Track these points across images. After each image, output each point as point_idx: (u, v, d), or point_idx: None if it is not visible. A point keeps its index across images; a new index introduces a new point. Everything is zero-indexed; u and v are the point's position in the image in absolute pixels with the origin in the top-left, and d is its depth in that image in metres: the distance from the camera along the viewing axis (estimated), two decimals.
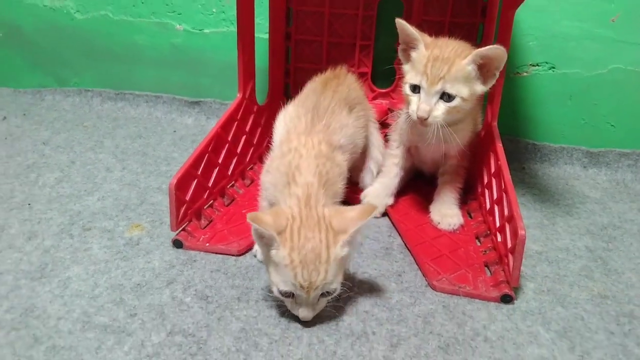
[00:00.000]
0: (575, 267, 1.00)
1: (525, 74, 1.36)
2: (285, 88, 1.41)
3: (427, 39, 0.99)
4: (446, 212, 1.08)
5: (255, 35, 1.21)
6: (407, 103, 1.00)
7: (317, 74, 1.33)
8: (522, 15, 1.30)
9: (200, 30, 1.53)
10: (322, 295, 0.79)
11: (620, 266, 1.01)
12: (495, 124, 1.09)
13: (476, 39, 1.27)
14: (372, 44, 1.34)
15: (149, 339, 0.77)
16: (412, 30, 0.98)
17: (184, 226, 1.00)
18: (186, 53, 1.57)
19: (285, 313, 0.83)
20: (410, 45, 1.00)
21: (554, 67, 1.35)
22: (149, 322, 0.81)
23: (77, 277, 0.90)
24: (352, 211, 0.82)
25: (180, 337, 0.78)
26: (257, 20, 1.32)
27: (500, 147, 1.03)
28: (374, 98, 1.38)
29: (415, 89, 0.99)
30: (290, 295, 0.78)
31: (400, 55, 1.03)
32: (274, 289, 0.79)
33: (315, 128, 0.94)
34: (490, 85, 0.97)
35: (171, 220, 0.97)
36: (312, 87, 1.08)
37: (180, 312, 0.83)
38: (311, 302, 0.79)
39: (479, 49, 0.93)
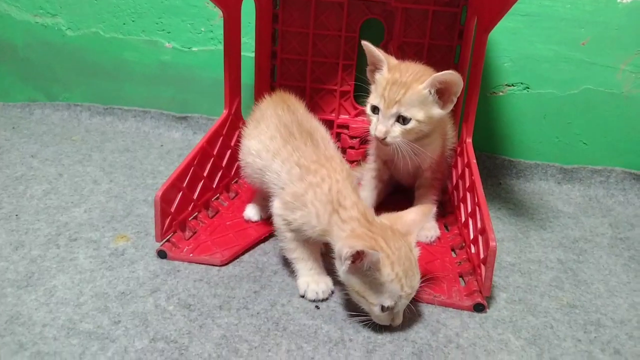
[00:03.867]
0: (547, 278, 1.04)
1: (501, 93, 1.42)
2: None
3: (393, 61, 1.04)
4: (424, 225, 1.12)
5: (243, 53, 1.26)
6: (369, 123, 1.05)
7: (302, 91, 1.39)
8: (498, 38, 1.36)
9: (189, 48, 1.57)
10: None
11: (590, 277, 1.06)
12: (470, 140, 1.14)
13: (454, 61, 1.32)
14: (355, 64, 1.39)
15: (132, 344, 0.80)
16: (377, 52, 1.03)
17: (168, 237, 1.03)
18: (175, 70, 1.61)
19: (267, 320, 0.86)
20: (376, 67, 1.06)
21: (528, 87, 1.40)
22: (132, 328, 0.83)
23: (63, 286, 0.92)
24: (408, 214, 0.88)
25: (162, 343, 0.80)
26: (244, 39, 1.37)
27: (474, 163, 1.07)
28: (356, 115, 1.42)
29: (375, 109, 1.04)
30: (388, 309, 0.82)
31: (368, 76, 1.08)
32: (375, 309, 0.82)
33: (319, 151, 0.94)
34: (448, 109, 1.02)
35: (156, 231, 1.00)
36: (270, 114, 1.04)
37: (163, 320, 0.85)
38: (405, 305, 0.84)
39: (436, 74, 0.97)
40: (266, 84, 1.40)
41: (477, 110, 1.14)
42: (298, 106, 1.05)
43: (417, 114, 1.00)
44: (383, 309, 0.82)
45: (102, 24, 1.62)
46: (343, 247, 0.79)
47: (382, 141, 1.02)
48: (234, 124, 1.22)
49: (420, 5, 1.29)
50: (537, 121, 1.43)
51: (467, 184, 1.09)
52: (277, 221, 0.94)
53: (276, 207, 0.94)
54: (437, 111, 1.01)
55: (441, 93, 1.00)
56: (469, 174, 1.09)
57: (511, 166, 1.46)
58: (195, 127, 1.64)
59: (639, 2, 1.30)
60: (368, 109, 1.06)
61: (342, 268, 0.82)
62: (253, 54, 1.35)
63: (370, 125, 1.05)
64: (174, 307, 0.88)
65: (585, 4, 1.32)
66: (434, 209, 0.86)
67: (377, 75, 1.05)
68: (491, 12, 1.01)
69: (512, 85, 1.41)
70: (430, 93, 0.99)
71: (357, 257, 0.80)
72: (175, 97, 1.64)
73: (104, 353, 0.78)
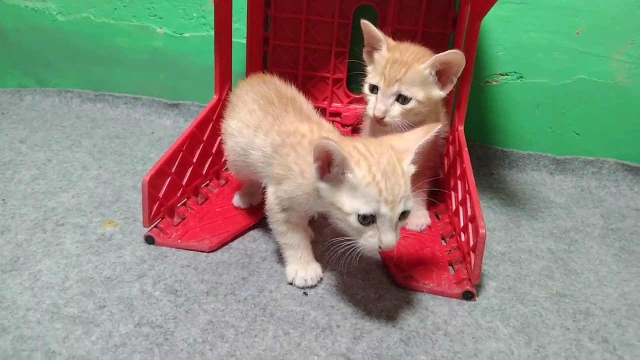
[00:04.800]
0: (537, 267, 1.04)
1: (494, 82, 1.41)
2: None
3: (391, 42, 1.03)
4: (414, 213, 1.11)
5: (235, 40, 1.24)
6: (367, 103, 1.04)
7: (294, 78, 1.38)
8: (492, 26, 1.35)
9: (180, 34, 1.56)
10: (400, 217, 0.76)
11: (580, 267, 1.05)
12: (461, 128, 1.13)
13: (447, 48, 1.31)
14: (348, 51, 1.38)
15: (116, 329, 0.79)
16: (377, 32, 1.03)
17: (156, 223, 1.02)
18: (166, 56, 1.59)
19: (255, 307, 0.85)
20: (374, 47, 1.05)
21: (522, 77, 1.40)
22: (117, 313, 0.82)
23: (48, 270, 0.91)
24: (411, 133, 0.82)
25: (147, 328, 0.80)
26: (236, 25, 1.36)
27: (465, 152, 1.07)
28: (349, 103, 1.41)
29: (374, 89, 1.03)
30: (369, 221, 0.74)
31: (365, 57, 1.07)
32: (351, 219, 0.74)
33: (302, 115, 0.92)
34: (448, 90, 1.01)
35: (144, 216, 0.99)
36: (245, 91, 1.02)
37: (149, 305, 0.84)
38: (394, 223, 0.75)
39: (438, 54, 0.96)
40: (258, 71, 1.38)
41: (470, 100, 1.14)
42: (275, 79, 1.02)
43: (417, 94, 0.99)
44: (360, 218, 0.74)
45: (93, 8, 1.60)
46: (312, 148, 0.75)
47: (380, 121, 1.01)
48: (224, 109, 1.21)
49: None
50: (531, 111, 1.42)
51: (459, 173, 1.09)
52: (271, 202, 0.90)
53: (270, 192, 0.91)
54: (436, 92, 1.01)
55: (440, 74, 0.99)
56: (460, 162, 1.08)
57: (504, 156, 1.46)
58: (186, 115, 1.62)
59: None
60: (366, 89, 1.05)
61: (314, 175, 0.77)
62: (245, 40, 1.33)
63: (368, 105, 1.03)
64: (160, 292, 0.88)
65: None
66: (438, 126, 0.80)
67: (376, 55, 1.04)
68: None
69: (506, 74, 1.40)
70: (431, 74, 0.99)
71: (326, 159, 0.75)
72: (167, 83, 1.63)
73: (88, 337, 0.77)
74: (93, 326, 0.79)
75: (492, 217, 1.21)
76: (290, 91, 0.99)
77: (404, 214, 0.76)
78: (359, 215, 0.74)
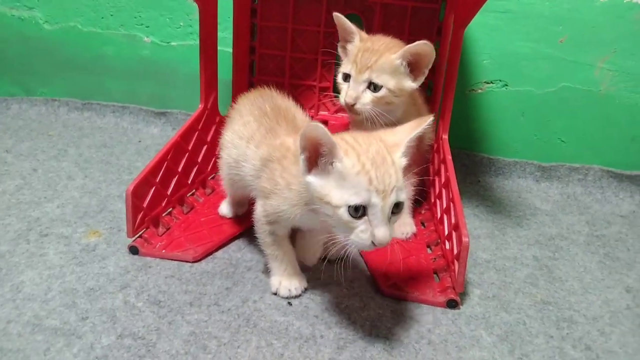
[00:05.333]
0: (521, 275, 1.04)
1: (480, 90, 1.42)
2: None
3: (364, 34, 1.06)
4: (400, 221, 1.11)
5: (221, 48, 1.24)
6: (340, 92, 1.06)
7: (281, 87, 1.38)
8: (477, 35, 1.36)
9: (167, 42, 1.56)
10: (393, 210, 0.73)
11: (564, 274, 1.06)
12: (446, 137, 1.13)
13: None
14: (334, 60, 1.38)
15: (98, 341, 0.78)
16: (349, 24, 1.05)
17: (140, 233, 1.01)
18: (154, 65, 1.59)
19: (238, 317, 0.85)
20: (347, 40, 1.07)
21: (507, 85, 1.40)
22: (99, 325, 0.82)
23: (31, 282, 0.90)
24: (402, 127, 0.80)
25: (129, 339, 0.79)
26: (223, 34, 1.36)
27: (449, 159, 1.07)
28: (336, 112, 1.41)
29: (347, 77, 1.05)
30: (360, 214, 0.71)
31: (340, 52, 1.10)
32: (341, 212, 0.71)
33: (295, 128, 0.90)
34: (420, 82, 1.02)
35: (127, 226, 0.99)
36: (243, 104, 1.02)
37: (131, 316, 0.84)
38: (387, 215, 0.71)
39: (409, 45, 0.98)
40: (244, 80, 1.39)
41: (456, 108, 1.14)
42: (273, 92, 1.01)
43: (388, 82, 1.00)
44: (350, 210, 0.71)
45: (80, 17, 1.60)
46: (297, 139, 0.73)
47: (351, 108, 1.02)
48: (210, 118, 1.21)
49: (399, 1, 1.29)
50: (516, 119, 1.43)
51: (443, 180, 1.09)
52: (259, 214, 0.89)
53: (259, 204, 0.89)
54: (408, 83, 1.02)
55: (412, 66, 1.01)
56: (444, 170, 1.08)
57: (490, 164, 1.46)
58: (174, 123, 1.62)
59: (616, 0, 1.30)
60: (339, 78, 1.07)
61: (302, 168, 0.74)
62: (231, 49, 1.33)
63: (341, 93, 1.05)
64: (143, 303, 0.87)
65: (564, 1, 1.32)
66: (430, 118, 0.79)
67: (349, 46, 1.06)
68: (466, 7, 1.00)
69: (491, 82, 1.41)
70: (402, 64, 1.00)
71: (313, 151, 0.72)
72: (154, 92, 1.63)
73: (69, 349, 0.76)
74: (75, 338, 0.79)
75: (477, 225, 1.22)
76: (287, 103, 0.98)
77: (397, 207, 0.73)
78: (349, 207, 0.70)
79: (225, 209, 1.12)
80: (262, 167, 0.87)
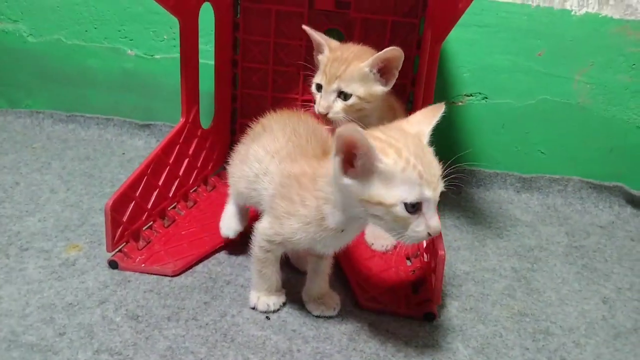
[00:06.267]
0: (500, 287, 1.05)
1: (460, 103, 1.43)
2: (233, 113, 1.44)
3: (333, 44, 1.09)
4: (379, 233, 1.12)
5: (205, 61, 1.25)
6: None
7: (264, 100, 1.40)
8: (457, 48, 1.38)
9: (151, 55, 1.56)
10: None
11: (542, 286, 1.07)
12: None
13: (412, 70, 1.33)
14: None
15: (75, 357, 0.79)
16: (316, 36, 1.09)
17: (120, 247, 1.01)
18: (138, 77, 1.60)
19: (216, 332, 0.85)
20: (319, 51, 1.10)
21: (486, 97, 1.42)
22: (77, 340, 0.82)
23: (9, 297, 0.90)
24: (414, 116, 0.80)
25: (106, 355, 0.79)
26: (206, 47, 1.37)
27: None
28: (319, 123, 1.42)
29: (319, 88, 1.07)
30: (415, 209, 0.70)
31: (315, 61, 1.12)
32: (398, 209, 0.69)
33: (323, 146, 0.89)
34: (391, 85, 1.05)
35: (107, 241, 0.99)
36: (275, 121, 0.98)
37: (109, 331, 0.84)
38: (436, 204, 0.72)
39: (378, 54, 1.01)
40: (227, 93, 1.40)
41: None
42: (308, 116, 0.98)
43: (357, 90, 1.02)
44: (408, 207, 0.70)
45: (64, 30, 1.60)
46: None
47: (324, 117, 1.05)
48: (191, 132, 1.21)
49: (379, 15, 1.31)
50: (496, 131, 1.45)
51: None
52: (263, 230, 0.86)
53: (265, 220, 0.87)
54: (378, 88, 1.04)
55: (383, 71, 1.03)
56: None
57: (471, 175, 1.48)
58: (158, 135, 1.62)
59: (593, 15, 1.33)
60: (313, 88, 1.09)
61: (336, 169, 0.72)
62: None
63: (315, 103, 1.08)
64: (121, 318, 0.87)
65: (541, 15, 1.34)
66: (443, 107, 0.79)
67: (320, 57, 1.09)
68: (442, 23, 1.02)
69: (471, 95, 1.43)
70: (372, 71, 1.02)
71: (348, 152, 0.70)
72: (138, 104, 1.63)
73: None
74: (51, 354, 0.79)
75: (457, 236, 1.23)
76: (320, 127, 0.94)
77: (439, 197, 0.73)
78: (406, 205, 0.69)
79: (229, 229, 1.05)
80: (280, 184, 0.85)
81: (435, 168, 0.72)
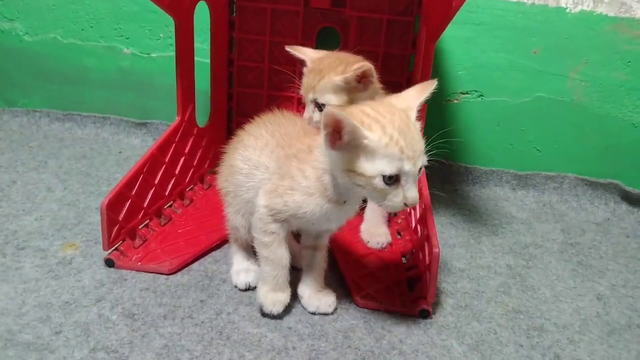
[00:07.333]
0: (494, 284, 1.06)
1: (456, 101, 1.44)
2: (229, 111, 1.45)
3: (314, 55, 1.10)
4: (375, 231, 1.13)
5: (201, 60, 1.25)
6: None
7: (260, 98, 1.40)
8: (453, 47, 1.39)
9: (147, 54, 1.57)
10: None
11: (537, 283, 1.08)
12: None
13: (407, 69, 1.34)
14: None
15: (71, 355, 0.79)
16: (297, 53, 1.11)
17: (116, 245, 1.02)
18: (134, 76, 1.60)
19: (211, 330, 0.86)
20: (304, 65, 1.11)
21: (482, 95, 1.43)
22: (73, 339, 0.82)
23: (5, 296, 0.90)
24: (408, 92, 0.83)
25: (102, 353, 0.80)
26: (202, 45, 1.37)
27: (422, 170, 1.08)
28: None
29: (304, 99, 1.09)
30: (394, 181, 0.75)
31: None
32: (376, 181, 0.74)
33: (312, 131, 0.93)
34: (370, 89, 1.04)
35: (103, 239, 0.99)
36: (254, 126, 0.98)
37: (105, 330, 0.84)
38: (416, 178, 0.76)
39: (347, 75, 1.00)
40: (223, 91, 1.40)
41: (433, 118, 1.16)
42: (283, 111, 0.99)
43: (331, 100, 1.04)
44: (385, 179, 0.74)
45: (61, 29, 1.60)
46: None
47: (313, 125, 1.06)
48: (187, 130, 1.22)
49: (374, 14, 1.31)
50: (492, 128, 1.45)
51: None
52: (262, 213, 0.86)
53: (260, 197, 0.86)
54: (357, 95, 1.04)
55: (360, 78, 1.02)
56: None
57: (467, 173, 1.48)
58: (155, 134, 1.63)
59: (587, 13, 1.33)
60: (304, 99, 1.11)
61: (324, 143, 0.76)
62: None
63: None
64: (117, 316, 0.88)
65: (536, 13, 1.35)
66: (434, 83, 0.81)
67: (304, 68, 1.11)
68: (436, 21, 1.02)
69: (467, 93, 1.43)
70: (342, 82, 1.02)
71: (335, 128, 0.74)
72: (135, 103, 1.63)
73: None
74: (47, 353, 0.79)
75: (453, 234, 1.23)
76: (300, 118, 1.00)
77: (420, 169, 0.77)
78: (384, 177, 0.74)
79: (242, 275, 0.98)
80: (277, 168, 0.86)
81: (418, 143, 0.76)
